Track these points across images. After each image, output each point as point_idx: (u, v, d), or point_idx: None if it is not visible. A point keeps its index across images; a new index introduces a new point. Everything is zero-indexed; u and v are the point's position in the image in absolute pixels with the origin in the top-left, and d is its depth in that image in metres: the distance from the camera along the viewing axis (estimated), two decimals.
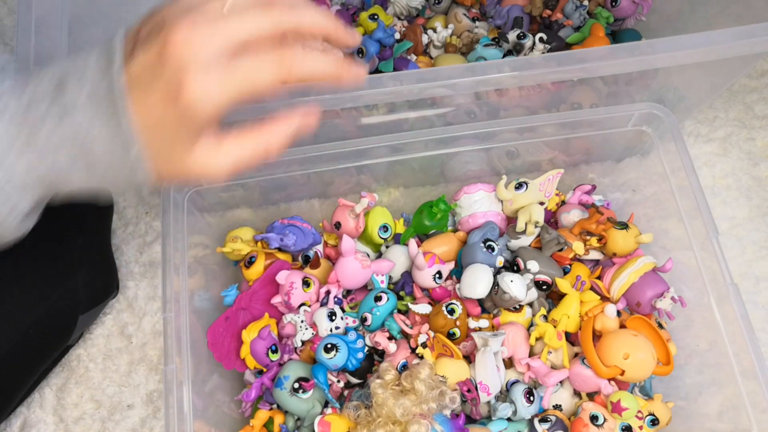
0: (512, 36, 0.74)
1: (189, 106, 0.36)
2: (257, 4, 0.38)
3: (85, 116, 0.37)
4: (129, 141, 0.37)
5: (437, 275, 0.63)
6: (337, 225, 0.65)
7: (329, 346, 0.58)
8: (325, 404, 0.60)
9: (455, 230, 0.67)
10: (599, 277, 0.64)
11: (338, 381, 0.62)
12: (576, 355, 0.61)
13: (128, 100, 0.36)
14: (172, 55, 0.35)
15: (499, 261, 0.62)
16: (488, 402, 0.59)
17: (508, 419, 0.59)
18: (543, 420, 0.57)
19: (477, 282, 0.59)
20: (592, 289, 0.63)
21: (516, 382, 0.60)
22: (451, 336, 0.59)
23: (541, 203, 0.64)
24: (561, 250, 0.63)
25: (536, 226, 0.62)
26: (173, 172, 0.39)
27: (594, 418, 0.56)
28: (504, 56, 0.74)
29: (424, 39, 0.78)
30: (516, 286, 0.58)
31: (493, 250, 0.61)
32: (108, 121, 0.37)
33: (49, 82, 0.37)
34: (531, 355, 0.61)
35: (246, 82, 0.37)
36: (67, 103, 0.37)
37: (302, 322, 0.62)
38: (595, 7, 0.79)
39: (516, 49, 0.74)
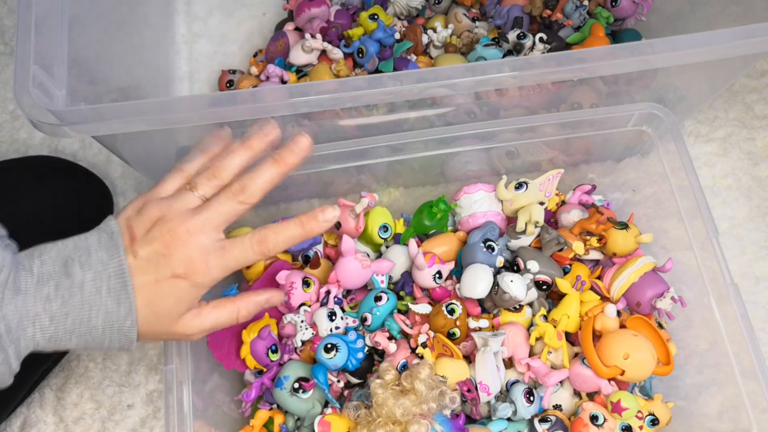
0: (512, 36, 0.74)
1: (194, 285, 0.45)
2: (219, 186, 0.47)
3: (90, 296, 0.43)
4: (128, 315, 0.44)
5: (437, 275, 0.63)
6: (337, 225, 0.65)
7: (329, 346, 0.58)
8: (325, 404, 0.60)
9: (455, 230, 0.67)
10: (599, 277, 0.64)
11: (338, 381, 0.62)
12: (576, 355, 0.61)
13: (135, 281, 0.44)
14: (179, 246, 0.44)
15: (499, 261, 0.62)
16: (488, 402, 0.59)
17: (508, 419, 0.59)
18: (543, 420, 0.57)
19: (477, 282, 0.59)
20: (592, 289, 0.63)
21: (516, 382, 0.60)
22: (451, 336, 0.59)
23: (541, 203, 0.64)
24: (561, 250, 0.63)
25: (536, 226, 0.62)
26: (156, 335, 0.47)
27: (594, 418, 0.56)
28: (504, 56, 0.74)
29: (424, 39, 0.78)
30: (516, 286, 0.58)
31: (493, 250, 0.61)
32: (112, 298, 0.43)
33: (53, 264, 0.43)
34: (531, 355, 0.61)
35: (236, 263, 0.46)
36: (74, 284, 0.43)
37: (302, 322, 0.62)
38: (595, 7, 0.79)
39: (516, 49, 0.74)
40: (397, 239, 0.68)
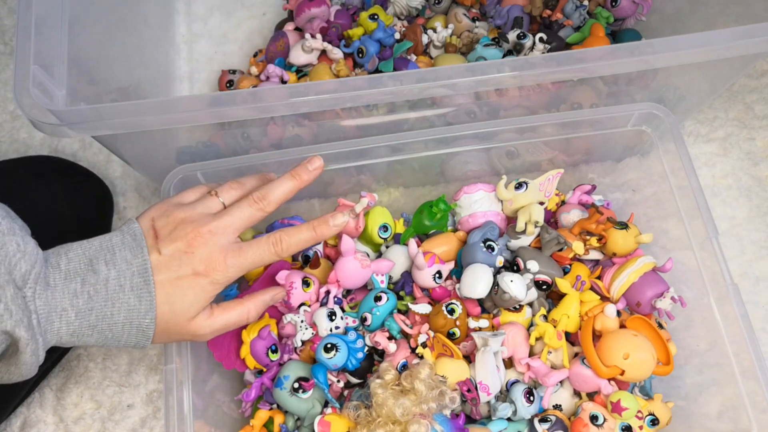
0: (512, 36, 0.74)
1: (212, 282, 0.48)
2: (241, 195, 0.52)
3: (114, 292, 0.45)
4: (148, 311, 0.46)
5: (437, 275, 0.63)
6: None
7: (329, 345, 0.58)
8: (325, 404, 0.60)
9: (455, 230, 0.67)
10: (599, 277, 0.64)
11: (338, 381, 0.62)
12: (576, 355, 0.61)
13: (156, 278, 0.46)
14: (201, 245, 0.47)
15: (499, 261, 0.62)
16: (488, 402, 0.59)
17: (508, 419, 0.59)
18: (543, 420, 0.57)
19: (477, 282, 0.59)
20: (592, 289, 0.63)
21: (516, 382, 0.60)
22: (451, 336, 0.59)
23: (541, 203, 0.64)
24: (561, 250, 0.63)
25: (536, 226, 0.62)
26: (170, 335, 0.49)
27: (594, 418, 0.56)
28: (504, 56, 0.74)
29: (424, 39, 0.78)
30: (516, 286, 0.58)
31: (493, 250, 0.61)
32: (134, 295, 0.46)
33: (79, 262, 0.45)
34: (531, 355, 0.61)
35: (252, 263, 0.50)
36: (99, 280, 0.45)
37: (302, 322, 0.62)
38: (595, 7, 0.79)
39: (516, 49, 0.74)
40: (397, 239, 0.68)
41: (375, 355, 0.62)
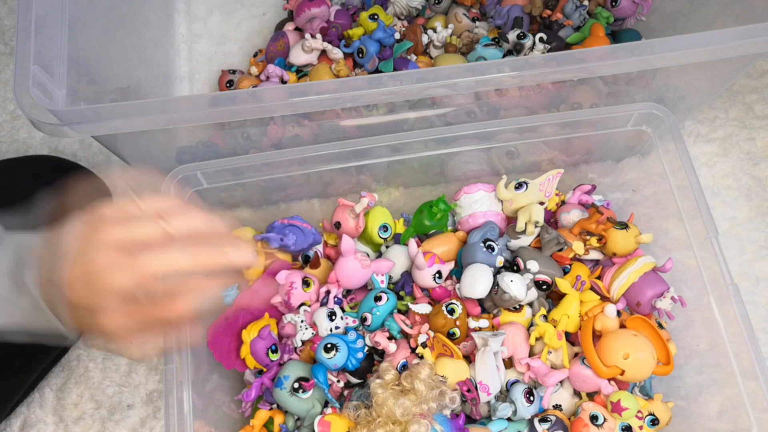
0: (512, 36, 0.74)
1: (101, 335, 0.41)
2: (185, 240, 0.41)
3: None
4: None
5: (437, 275, 0.63)
6: (337, 225, 0.65)
7: (329, 345, 0.58)
8: (325, 404, 0.60)
9: (455, 230, 0.67)
10: (599, 277, 0.64)
11: (338, 381, 0.62)
12: (576, 355, 0.61)
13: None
14: (97, 278, 0.40)
15: (499, 261, 0.62)
16: (488, 402, 0.59)
17: (508, 419, 0.59)
18: (543, 420, 0.57)
19: (477, 282, 0.59)
20: (592, 289, 0.63)
21: (516, 382, 0.60)
22: (451, 336, 0.59)
23: (541, 203, 0.64)
24: (561, 250, 0.63)
25: (536, 226, 0.62)
26: (88, 331, 0.44)
27: (594, 418, 0.56)
28: (504, 56, 0.74)
29: (424, 39, 0.78)
30: (516, 286, 0.58)
31: (493, 250, 0.61)
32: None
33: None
34: (531, 355, 0.61)
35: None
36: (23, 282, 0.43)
37: (302, 322, 0.62)
38: (595, 7, 0.79)
39: (516, 49, 0.74)
40: (397, 239, 0.68)
41: (375, 355, 0.62)
